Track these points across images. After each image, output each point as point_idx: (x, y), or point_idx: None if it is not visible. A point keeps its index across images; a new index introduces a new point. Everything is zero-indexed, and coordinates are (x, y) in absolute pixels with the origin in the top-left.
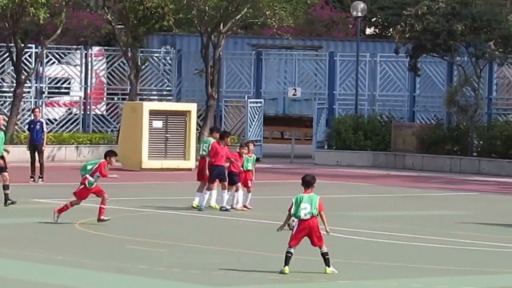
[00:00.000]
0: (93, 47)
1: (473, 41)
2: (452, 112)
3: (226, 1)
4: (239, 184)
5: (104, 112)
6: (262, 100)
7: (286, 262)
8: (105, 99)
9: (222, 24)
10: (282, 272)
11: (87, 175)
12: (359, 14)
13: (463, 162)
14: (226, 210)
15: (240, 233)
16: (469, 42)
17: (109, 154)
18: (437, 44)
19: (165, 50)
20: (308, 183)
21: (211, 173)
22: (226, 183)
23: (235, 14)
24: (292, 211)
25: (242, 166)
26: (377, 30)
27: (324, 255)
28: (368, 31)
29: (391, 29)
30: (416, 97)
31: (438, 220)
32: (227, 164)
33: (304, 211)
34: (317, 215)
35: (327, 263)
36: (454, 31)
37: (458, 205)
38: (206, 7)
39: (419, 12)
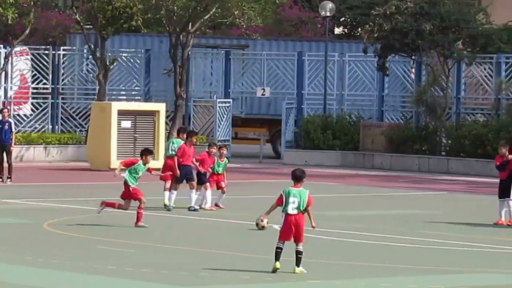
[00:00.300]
0: (18, 46)
1: (442, 41)
2: (420, 112)
3: (195, 1)
4: (208, 184)
5: (28, 113)
6: (230, 100)
7: (276, 258)
8: (30, 99)
9: (190, 24)
10: (274, 268)
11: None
12: (328, 13)
13: (431, 161)
14: (195, 210)
15: (209, 233)
16: (437, 42)
17: (144, 152)
18: (406, 43)
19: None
20: (298, 177)
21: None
22: (194, 183)
23: (204, 14)
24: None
25: (213, 169)
26: (345, 29)
27: (298, 253)
28: (337, 30)
29: (359, 29)
30: (384, 97)
31: (408, 219)
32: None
33: (292, 205)
34: (304, 210)
35: (298, 262)
36: (423, 31)
37: (427, 204)
38: (175, 7)
39: (388, 12)
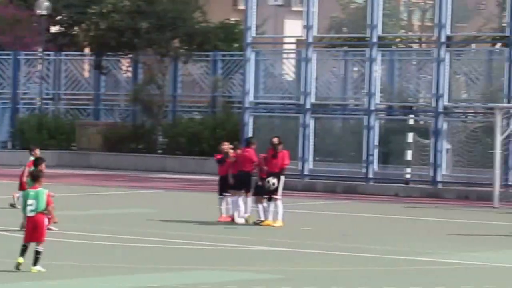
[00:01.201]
0: None
1: (158, 39)
2: (137, 110)
3: None
4: None
5: None
6: None
7: (21, 254)
8: None
9: None
10: (17, 263)
11: None
12: (44, 12)
13: (148, 159)
14: None
15: None
16: (154, 40)
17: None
18: (123, 42)
19: None
20: (34, 177)
21: None
22: None
23: None
24: (21, 208)
25: None
26: (62, 28)
27: (36, 253)
28: (53, 29)
29: (76, 28)
30: (101, 96)
31: (125, 218)
32: None
33: (30, 207)
34: (45, 210)
35: (35, 262)
36: (139, 29)
37: (144, 202)
38: None
39: (104, 10)
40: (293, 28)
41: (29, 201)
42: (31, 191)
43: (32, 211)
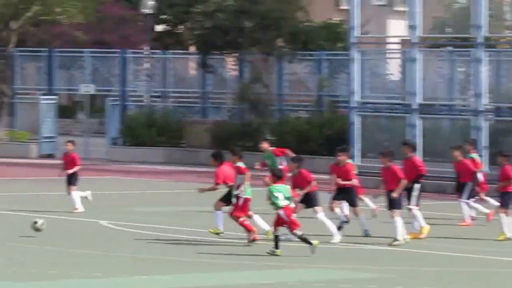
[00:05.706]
0: None
1: (263, 38)
2: (244, 108)
3: None
4: None
5: None
6: (56, 96)
7: (276, 246)
8: None
9: (13, 22)
10: (275, 254)
11: None
12: (149, 11)
13: (256, 157)
14: None
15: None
16: (258, 39)
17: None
18: (227, 41)
19: None
20: (278, 177)
21: None
22: None
23: (26, 11)
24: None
25: None
26: (168, 27)
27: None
28: (158, 28)
29: (181, 27)
30: (208, 94)
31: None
32: None
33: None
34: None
35: (306, 241)
36: (243, 28)
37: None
38: None
39: (209, 10)
40: (395, 28)
41: (277, 194)
42: (277, 186)
43: (284, 200)
